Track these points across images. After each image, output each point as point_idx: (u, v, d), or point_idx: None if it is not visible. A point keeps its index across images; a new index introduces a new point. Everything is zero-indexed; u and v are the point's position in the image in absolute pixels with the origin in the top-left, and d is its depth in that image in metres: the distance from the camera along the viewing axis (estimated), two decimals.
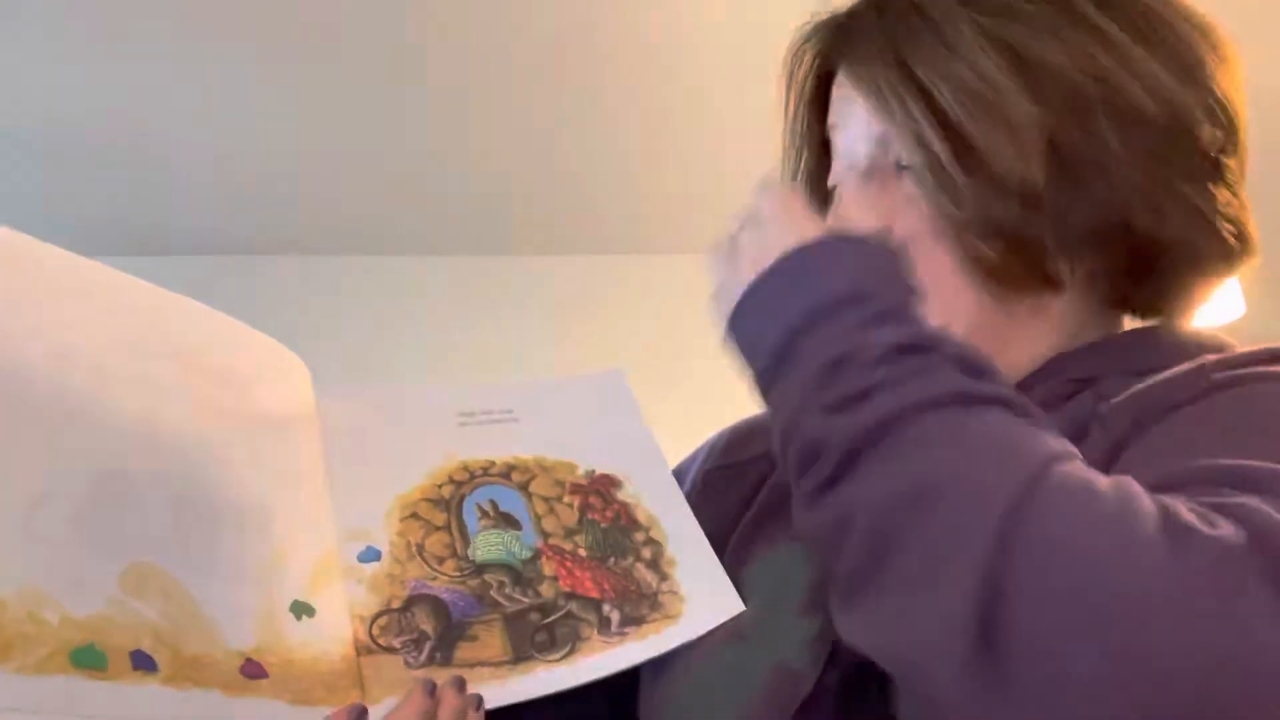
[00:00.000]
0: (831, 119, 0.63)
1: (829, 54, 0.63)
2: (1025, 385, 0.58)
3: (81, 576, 0.48)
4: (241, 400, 0.59)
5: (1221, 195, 0.57)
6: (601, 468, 0.66)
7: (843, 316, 0.47)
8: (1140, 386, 0.53)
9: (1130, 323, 0.64)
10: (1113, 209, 0.55)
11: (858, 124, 0.60)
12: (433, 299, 3.02)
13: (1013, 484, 0.39)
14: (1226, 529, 0.37)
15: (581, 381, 0.72)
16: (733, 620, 0.59)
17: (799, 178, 0.67)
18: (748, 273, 0.51)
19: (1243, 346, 0.56)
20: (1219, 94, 0.57)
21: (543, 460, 0.66)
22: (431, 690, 0.53)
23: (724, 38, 2.21)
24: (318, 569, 0.57)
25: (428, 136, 2.51)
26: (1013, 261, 0.55)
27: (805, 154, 0.67)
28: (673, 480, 0.67)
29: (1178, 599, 0.35)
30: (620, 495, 0.65)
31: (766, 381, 0.49)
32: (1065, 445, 0.43)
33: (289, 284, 2.92)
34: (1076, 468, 0.41)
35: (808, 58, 0.65)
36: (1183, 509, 0.39)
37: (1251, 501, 0.39)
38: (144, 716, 0.47)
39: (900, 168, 0.58)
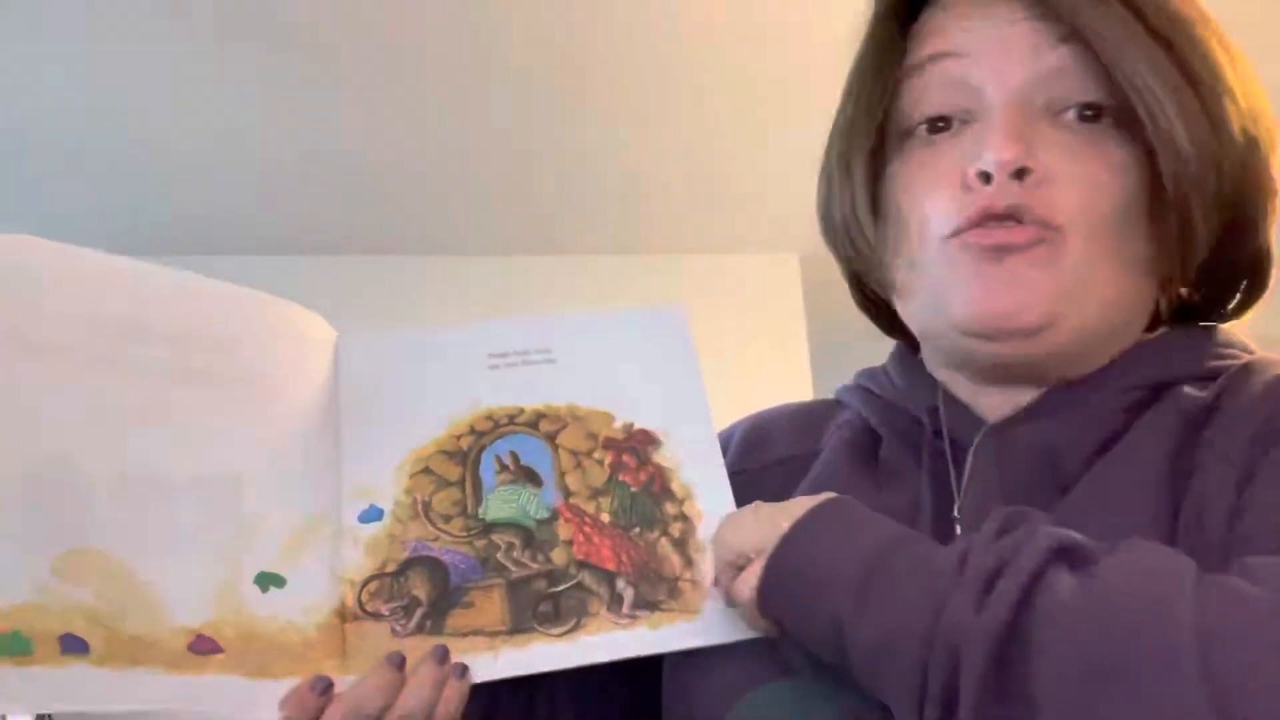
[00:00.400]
0: (951, 43, 0.56)
1: None
2: (1098, 384, 0.56)
3: (9, 568, 0.48)
4: (223, 363, 0.57)
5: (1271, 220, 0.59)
6: (641, 422, 0.61)
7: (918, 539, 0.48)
8: (1235, 404, 0.52)
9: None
10: (1263, 239, 0.57)
11: (1022, 47, 0.54)
12: (433, 299, 3.02)
13: (1185, 621, 0.38)
14: None
15: (633, 317, 0.64)
16: (768, 645, 0.54)
17: (873, 106, 0.59)
18: (789, 520, 0.51)
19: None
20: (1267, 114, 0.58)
21: (576, 409, 0.61)
22: (399, 664, 0.51)
23: (725, 38, 2.21)
24: (294, 538, 0.56)
25: (428, 136, 2.51)
26: (1202, 225, 0.54)
27: (888, 83, 0.58)
28: (716, 449, 0.61)
29: None
30: (657, 457, 0.60)
31: (850, 607, 0.47)
32: (1172, 555, 0.43)
33: (290, 284, 2.92)
34: (1209, 580, 0.41)
35: None
36: None
37: None
38: (73, 699, 0.47)
39: (1088, 111, 0.54)
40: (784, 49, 2.23)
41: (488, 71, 2.27)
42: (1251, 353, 0.58)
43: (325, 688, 0.51)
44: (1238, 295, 0.60)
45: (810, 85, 2.27)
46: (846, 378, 0.70)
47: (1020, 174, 0.52)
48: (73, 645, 0.48)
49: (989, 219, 0.53)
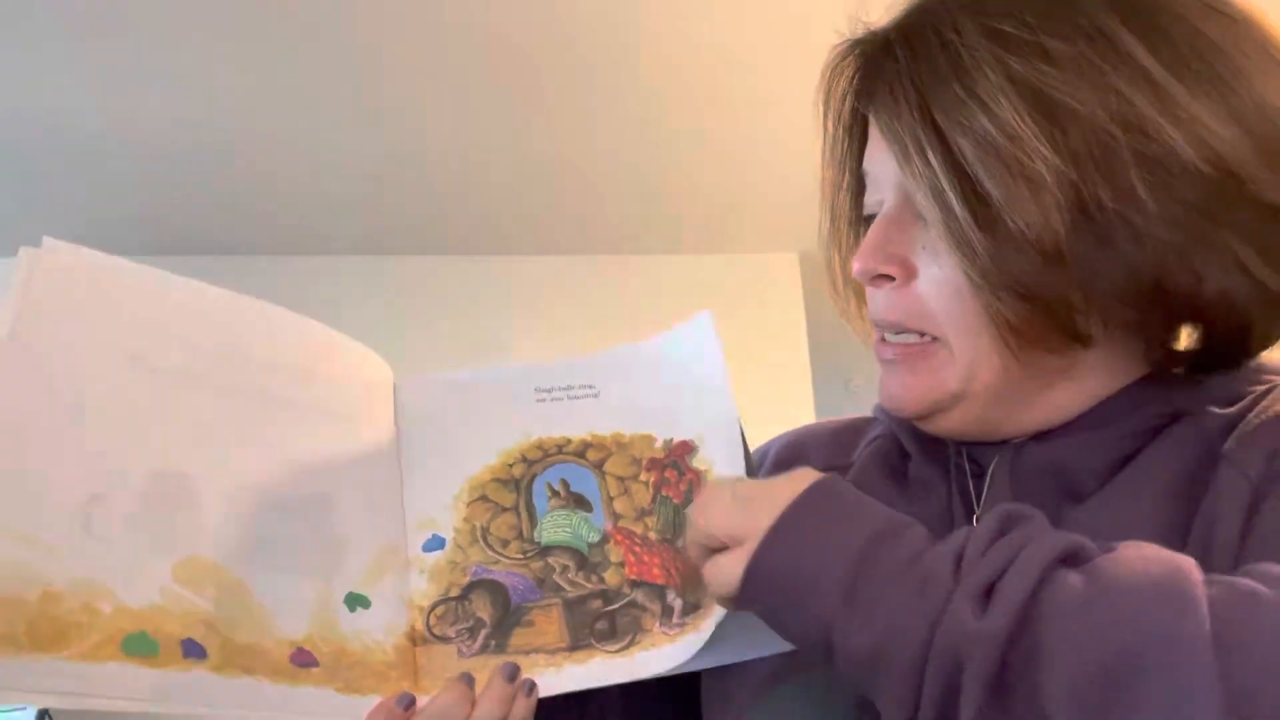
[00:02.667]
0: (868, 151, 0.61)
1: (861, 83, 0.60)
2: (1105, 418, 0.56)
3: (135, 569, 0.50)
4: (309, 393, 0.61)
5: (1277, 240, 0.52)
6: (679, 434, 0.63)
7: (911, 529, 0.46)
8: (1257, 420, 0.52)
9: None
10: (1144, 268, 0.50)
11: (884, 167, 0.57)
12: (433, 299, 3.03)
13: (1199, 623, 0.38)
14: None
15: (668, 340, 0.67)
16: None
17: (839, 205, 0.65)
18: (771, 507, 0.49)
19: None
20: (1277, 119, 0.51)
21: (620, 436, 0.64)
22: (470, 683, 0.54)
23: (726, 38, 2.21)
24: (375, 561, 0.59)
25: (428, 137, 2.51)
26: (1037, 320, 0.52)
27: (846, 179, 0.64)
28: (740, 449, 0.62)
29: None
30: (695, 462, 0.63)
31: (838, 603, 0.45)
32: (1174, 555, 0.42)
33: (290, 284, 2.92)
34: (1218, 580, 0.41)
35: (842, 82, 0.62)
36: None
37: None
38: (190, 702, 0.49)
39: (923, 215, 0.55)
40: (785, 49, 2.23)
41: (488, 71, 2.27)
42: None
43: (409, 704, 0.54)
44: (1227, 347, 0.56)
45: (811, 85, 2.27)
46: (846, 376, 0.71)
47: (888, 278, 0.57)
48: (193, 650, 0.50)
49: (878, 330, 0.60)
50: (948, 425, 0.58)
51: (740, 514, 0.49)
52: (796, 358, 3.08)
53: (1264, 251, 0.51)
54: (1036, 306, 0.51)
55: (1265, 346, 0.56)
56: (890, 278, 0.56)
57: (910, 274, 0.56)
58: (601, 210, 2.90)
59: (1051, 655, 0.39)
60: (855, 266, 0.57)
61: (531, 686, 0.55)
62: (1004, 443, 0.58)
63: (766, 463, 0.71)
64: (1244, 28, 0.52)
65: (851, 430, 0.71)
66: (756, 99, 2.42)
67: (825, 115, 0.64)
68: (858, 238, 0.63)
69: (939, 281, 0.55)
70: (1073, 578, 0.41)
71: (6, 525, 0.48)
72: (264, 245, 2.92)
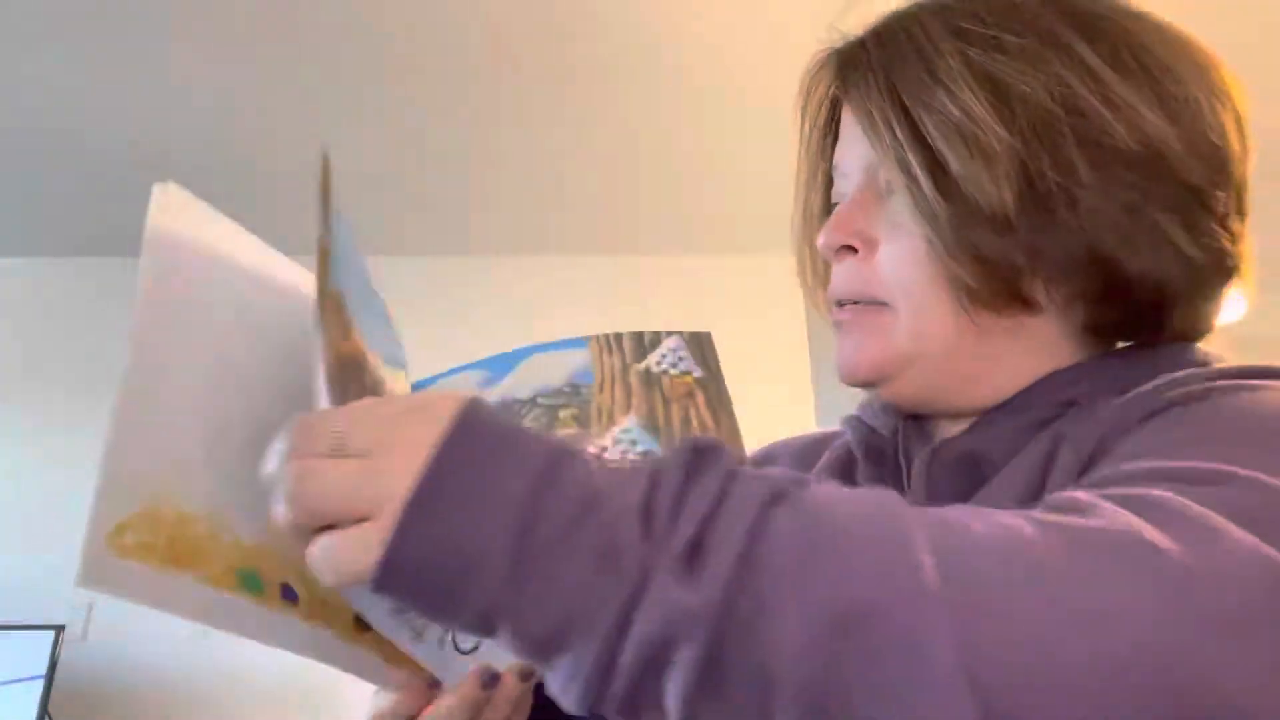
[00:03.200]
0: (839, 147, 0.66)
1: (836, 75, 0.66)
2: (1015, 408, 0.60)
3: (250, 505, 0.50)
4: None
5: (1204, 225, 0.58)
6: None
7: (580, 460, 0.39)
8: (1106, 406, 0.54)
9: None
10: (1081, 237, 0.56)
11: (855, 143, 0.63)
12: (434, 299, 3.03)
13: (913, 561, 0.37)
14: (1105, 518, 0.39)
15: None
16: None
17: (811, 202, 0.70)
18: (406, 464, 0.39)
19: (1229, 361, 0.57)
20: (1203, 121, 0.58)
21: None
22: (488, 680, 0.53)
23: (727, 38, 2.21)
24: None
25: (428, 137, 2.51)
26: (988, 283, 0.57)
27: (819, 178, 0.69)
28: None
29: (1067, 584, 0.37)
30: None
31: (507, 570, 0.37)
32: (873, 492, 0.41)
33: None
34: (927, 516, 0.39)
35: (820, 87, 0.68)
36: (1041, 513, 0.40)
37: (1155, 492, 0.41)
38: (283, 643, 0.50)
39: (888, 192, 0.61)
40: (785, 49, 2.23)
41: (488, 72, 2.27)
42: (1219, 378, 0.56)
43: (491, 680, 0.54)
44: (1157, 316, 0.59)
45: None
46: None
47: (850, 250, 0.62)
48: (289, 594, 0.51)
49: (834, 302, 0.64)
50: (900, 390, 0.62)
51: (358, 479, 0.39)
52: (797, 358, 3.08)
53: (1188, 229, 0.57)
54: (988, 269, 0.57)
55: (1188, 326, 0.60)
56: (853, 250, 0.62)
57: (872, 248, 0.61)
58: (602, 210, 2.90)
59: (775, 617, 0.35)
60: (820, 240, 0.63)
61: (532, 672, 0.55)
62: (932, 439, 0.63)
63: None
64: (1168, 34, 0.60)
65: (818, 443, 0.75)
66: (757, 99, 2.42)
67: (802, 117, 0.69)
68: None
69: (898, 253, 0.60)
70: (784, 522, 0.37)
71: (145, 444, 0.48)
72: (268, 245, 2.92)
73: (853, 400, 0.73)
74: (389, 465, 0.39)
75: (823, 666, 0.35)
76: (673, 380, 0.65)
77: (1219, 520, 0.39)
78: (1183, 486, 0.42)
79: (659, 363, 0.66)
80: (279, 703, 2.60)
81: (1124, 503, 0.40)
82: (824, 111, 0.69)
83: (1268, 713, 0.36)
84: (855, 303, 0.63)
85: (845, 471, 0.69)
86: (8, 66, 2.17)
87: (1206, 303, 0.60)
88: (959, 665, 0.35)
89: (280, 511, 0.40)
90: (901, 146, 0.58)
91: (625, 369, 0.65)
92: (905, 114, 0.58)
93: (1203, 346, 0.60)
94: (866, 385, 0.63)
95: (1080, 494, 0.42)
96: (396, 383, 0.63)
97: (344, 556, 0.39)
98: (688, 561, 0.36)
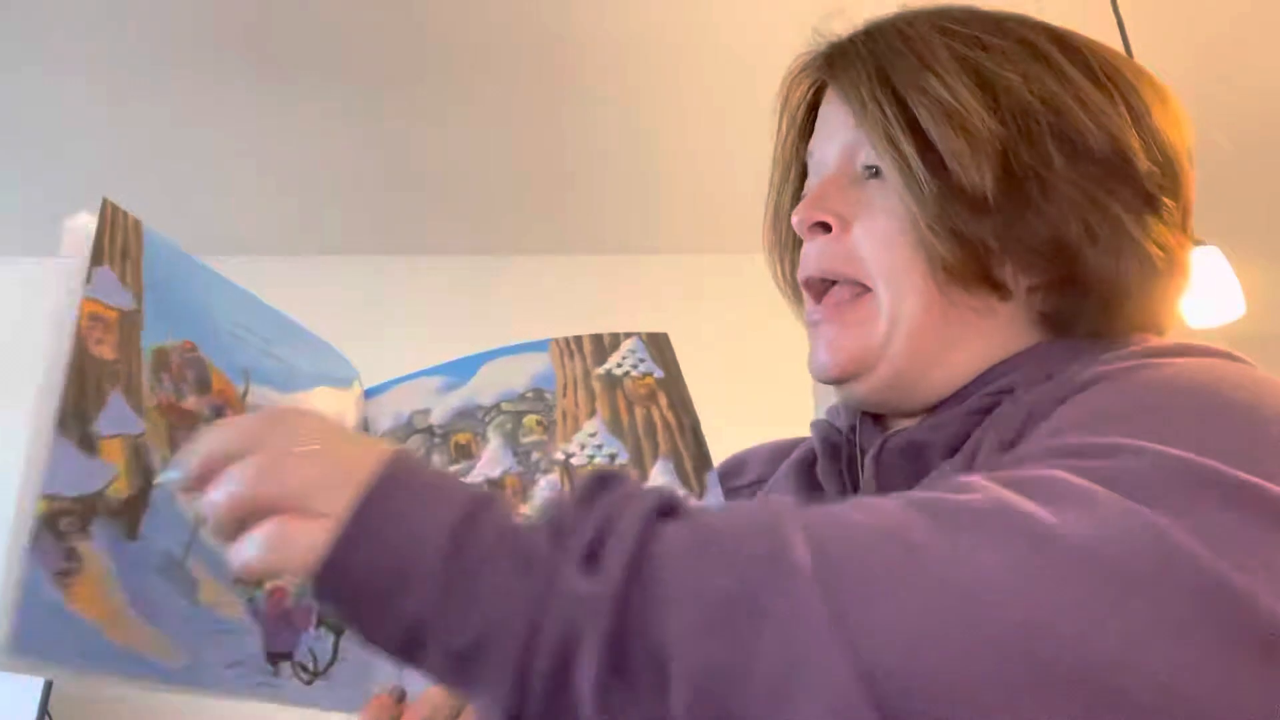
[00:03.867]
0: (814, 137, 0.69)
1: (821, 78, 0.69)
2: (959, 396, 0.62)
3: None
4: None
5: (1156, 228, 0.61)
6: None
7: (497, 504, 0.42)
8: (1027, 395, 0.56)
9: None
10: (1051, 222, 0.59)
11: (835, 130, 0.66)
12: (434, 299, 3.03)
13: (788, 547, 0.39)
14: (975, 495, 0.41)
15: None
16: None
17: (782, 201, 0.72)
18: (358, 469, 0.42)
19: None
20: (1161, 137, 0.62)
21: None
22: (400, 697, 0.55)
23: (726, 38, 2.21)
24: None
25: (428, 137, 2.51)
26: (964, 261, 0.60)
27: (792, 175, 0.72)
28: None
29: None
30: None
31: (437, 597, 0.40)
32: (771, 499, 0.44)
33: (288, 284, 2.92)
34: (814, 511, 0.42)
35: (802, 86, 0.71)
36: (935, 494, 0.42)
37: (1042, 471, 0.43)
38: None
39: (869, 170, 0.63)
40: (785, 49, 2.23)
41: (488, 72, 2.27)
42: (1151, 357, 0.58)
43: (400, 696, 0.56)
44: (1101, 308, 0.62)
45: None
46: None
47: (824, 227, 0.63)
48: None
49: (806, 288, 0.66)
50: (868, 388, 0.63)
51: (310, 470, 0.42)
52: (797, 358, 3.08)
53: (1144, 229, 0.61)
54: (966, 247, 0.59)
55: (1139, 322, 0.62)
56: (826, 227, 0.63)
57: (845, 226, 0.63)
58: (601, 210, 2.90)
59: (667, 603, 0.38)
60: (794, 217, 0.64)
61: None
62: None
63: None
64: (1132, 62, 0.66)
65: (787, 447, 0.77)
66: (756, 99, 2.41)
67: (780, 116, 0.73)
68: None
69: (875, 230, 0.62)
70: (674, 527, 0.41)
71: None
72: (264, 245, 2.92)
73: None
74: (334, 465, 0.42)
75: (709, 648, 0.37)
76: (635, 382, 0.65)
77: (1098, 489, 0.41)
78: (1073, 463, 0.43)
79: (620, 365, 0.67)
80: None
81: (1009, 483, 0.42)
82: (802, 111, 0.72)
83: (1150, 668, 0.37)
84: (828, 283, 0.64)
85: (806, 470, 0.71)
86: (9, 67, 2.17)
87: (1156, 300, 0.63)
88: (837, 640, 0.36)
89: (233, 494, 0.42)
90: (890, 123, 0.61)
91: (587, 373, 0.66)
92: (894, 95, 0.61)
93: (1148, 337, 0.62)
94: (840, 381, 0.65)
95: (970, 477, 0.44)
96: (342, 397, 0.63)
97: (294, 542, 0.41)
98: (588, 560, 0.40)
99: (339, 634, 0.55)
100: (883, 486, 0.61)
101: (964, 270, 0.60)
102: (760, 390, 2.93)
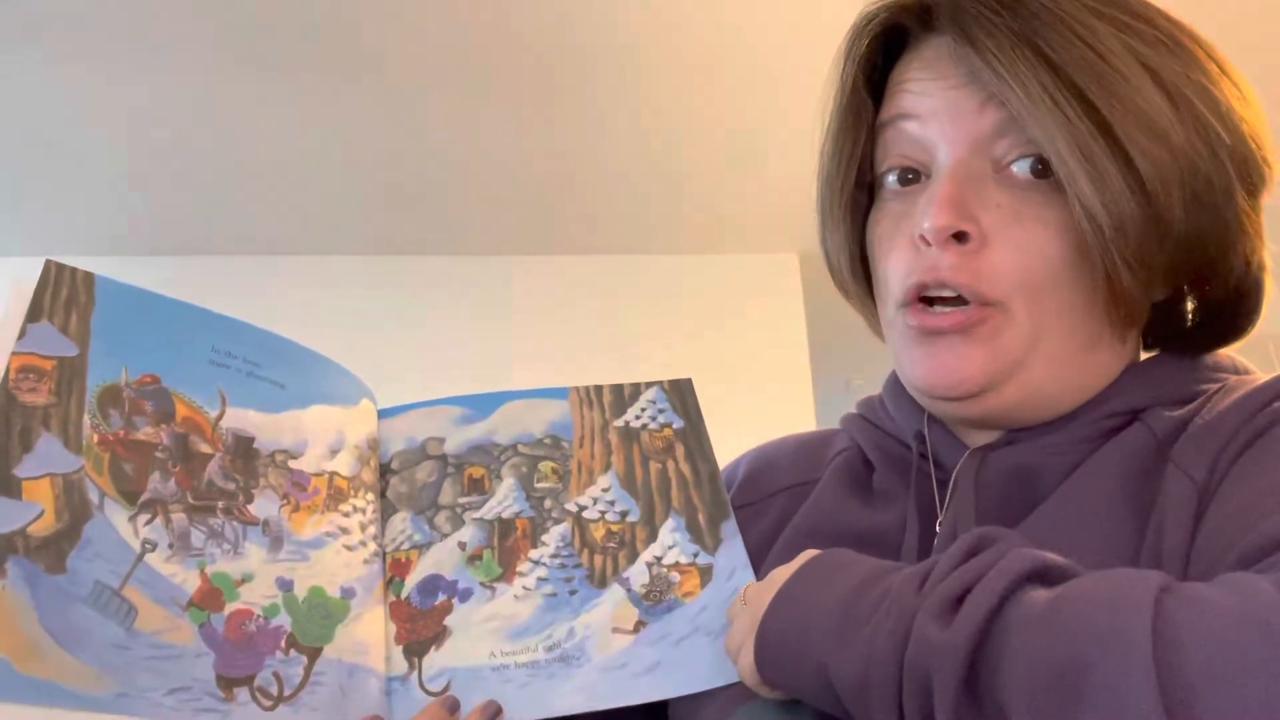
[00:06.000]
0: (905, 105, 0.58)
1: (954, 32, 0.56)
2: (1071, 416, 0.57)
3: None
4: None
5: (1258, 241, 0.57)
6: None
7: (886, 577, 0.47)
8: (1201, 422, 0.52)
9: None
10: (1225, 253, 0.55)
11: (957, 103, 0.56)
12: (433, 299, 3.03)
13: (1142, 621, 0.38)
14: None
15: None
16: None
17: (846, 161, 0.62)
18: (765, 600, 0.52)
19: (1253, 368, 0.58)
20: (1263, 143, 0.57)
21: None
22: (453, 709, 0.55)
23: (727, 38, 2.21)
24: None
25: (428, 137, 2.51)
26: (1133, 289, 0.53)
27: (859, 137, 0.61)
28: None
29: None
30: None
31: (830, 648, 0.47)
32: (1143, 571, 0.42)
33: (290, 284, 2.92)
34: (1173, 585, 0.40)
35: (875, 36, 0.61)
36: None
37: None
38: None
39: (1029, 166, 0.54)
40: (786, 49, 2.23)
41: (488, 73, 2.27)
42: (1243, 373, 0.57)
43: (454, 707, 0.56)
44: (1231, 320, 0.59)
45: (811, 84, 2.27)
46: (846, 376, 0.72)
47: (960, 237, 0.54)
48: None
49: (922, 298, 0.56)
50: (984, 409, 0.56)
51: (746, 612, 0.53)
52: (797, 358, 3.08)
53: (1257, 238, 0.57)
54: (1140, 275, 0.53)
55: (1222, 333, 0.59)
56: (966, 237, 0.54)
57: (985, 240, 0.54)
58: (601, 210, 2.90)
59: (1011, 663, 0.40)
60: (929, 224, 0.54)
61: (497, 711, 0.55)
62: (965, 448, 0.60)
63: (738, 476, 0.71)
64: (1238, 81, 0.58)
65: (817, 444, 0.71)
66: (757, 99, 2.42)
67: (846, 66, 0.61)
68: (855, 206, 0.62)
69: (1024, 246, 0.54)
70: (1038, 593, 0.41)
71: None
72: (265, 245, 2.92)
73: (853, 400, 0.72)
74: (762, 596, 0.52)
75: (1042, 710, 0.39)
76: (652, 435, 0.66)
77: None
78: None
79: (638, 417, 0.67)
80: None
81: None
82: (871, 67, 0.61)
83: None
84: (953, 299, 0.55)
85: (857, 478, 0.66)
86: (9, 67, 2.17)
87: (1247, 314, 0.60)
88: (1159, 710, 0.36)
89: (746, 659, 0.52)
90: (1077, 126, 0.51)
91: (605, 425, 0.66)
92: (1070, 84, 0.52)
93: (1229, 353, 0.60)
94: (959, 399, 0.57)
95: None
96: (342, 415, 0.63)
97: (744, 659, 0.51)
98: (949, 612, 0.42)
99: (313, 658, 0.54)
100: (983, 509, 0.56)
101: (1128, 298, 0.54)
102: (760, 390, 2.93)
